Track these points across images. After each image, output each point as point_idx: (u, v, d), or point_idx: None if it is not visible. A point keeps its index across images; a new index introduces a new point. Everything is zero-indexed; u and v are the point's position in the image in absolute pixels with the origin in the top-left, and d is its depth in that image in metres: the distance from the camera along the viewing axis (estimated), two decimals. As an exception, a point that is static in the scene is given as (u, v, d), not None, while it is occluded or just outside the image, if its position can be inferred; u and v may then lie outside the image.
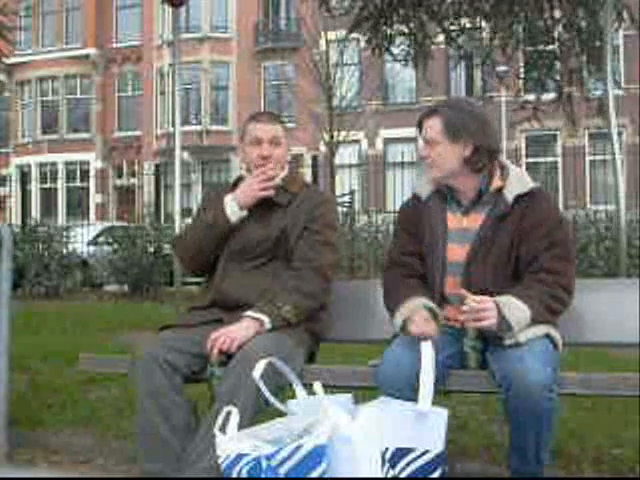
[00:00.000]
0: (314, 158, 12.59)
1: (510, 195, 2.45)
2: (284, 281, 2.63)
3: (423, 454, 2.17)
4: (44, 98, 29.78)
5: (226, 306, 2.66)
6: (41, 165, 29.18)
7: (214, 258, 2.76)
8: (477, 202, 2.50)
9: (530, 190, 2.46)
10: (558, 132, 22.19)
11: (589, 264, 8.60)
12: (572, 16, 7.69)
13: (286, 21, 27.49)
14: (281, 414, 2.25)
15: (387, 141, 24.99)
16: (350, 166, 23.73)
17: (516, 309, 2.30)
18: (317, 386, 2.17)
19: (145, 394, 2.46)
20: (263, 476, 2.03)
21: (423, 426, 2.18)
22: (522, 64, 10.32)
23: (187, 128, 23.61)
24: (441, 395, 2.34)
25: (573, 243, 2.89)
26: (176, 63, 5.04)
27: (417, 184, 2.64)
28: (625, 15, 7.75)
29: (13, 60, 26.08)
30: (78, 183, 29.28)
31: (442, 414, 2.20)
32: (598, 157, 20.09)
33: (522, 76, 10.18)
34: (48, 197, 28.45)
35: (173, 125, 4.75)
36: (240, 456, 2.08)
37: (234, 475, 2.08)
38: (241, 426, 2.20)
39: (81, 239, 12.37)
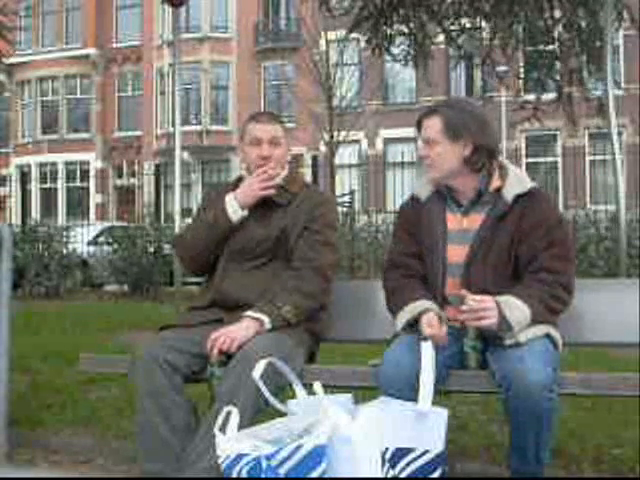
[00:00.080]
0: (314, 158, 12.59)
1: (509, 195, 2.45)
2: (284, 281, 2.63)
3: (423, 454, 2.17)
4: (44, 98, 29.79)
5: (226, 306, 2.66)
6: (41, 165, 29.18)
7: (214, 258, 2.76)
8: (476, 202, 2.50)
9: (529, 190, 2.46)
10: (558, 132, 22.20)
11: (589, 264, 8.60)
12: (572, 16, 7.69)
13: (286, 21, 27.49)
14: (281, 414, 2.25)
15: (387, 141, 24.99)
16: (350, 166, 23.73)
17: (516, 309, 2.30)
18: (317, 386, 2.17)
19: (145, 394, 2.46)
20: (263, 476, 2.03)
21: (423, 426, 2.18)
22: (522, 64, 10.32)
23: (187, 128, 23.62)
24: (441, 395, 2.34)
25: (572, 243, 2.90)
26: (176, 63, 5.04)
27: (417, 185, 2.64)
28: (625, 15, 7.75)
29: (13, 60, 26.06)
30: (78, 183, 29.28)
31: (442, 414, 2.20)
32: (598, 157, 20.10)
33: (522, 76, 10.18)
34: (48, 197, 28.46)
35: (173, 125, 4.75)
36: (240, 456, 2.08)
37: (234, 475, 2.08)
38: (241, 426, 2.20)
39: (81, 239, 12.37)
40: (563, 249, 2.42)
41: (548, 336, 2.36)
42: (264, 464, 2.04)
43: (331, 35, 19.73)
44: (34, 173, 28.12)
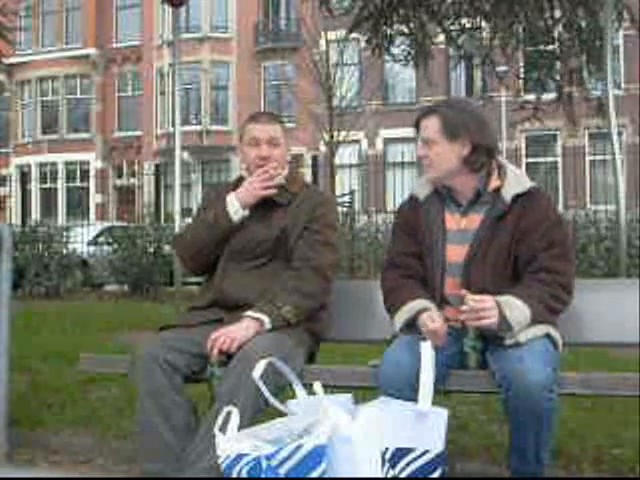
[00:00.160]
0: (314, 158, 12.59)
1: (508, 195, 2.45)
2: (284, 281, 2.63)
3: (423, 454, 2.17)
4: (44, 98, 29.79)
5: (226, 306, 2.66)
6: (41, 165, 29.18)
7: (214, 258, 2.76)
8: (475, 202, 2.50)
9: (528, 190, 2.46)
10: (558, 132, 22.20)
11: (589, 264, 8.60)
12: (572, 16, 7.69)
13: (286, 21, 27.49)
14: (281, 414, 2.24)
15: (387, 141, 24.98)
16: (350, 166, 23.72)
17: (516, 309, 2.30)
18: (317, 386, 2.17)
19: (145, 394, 2.46)
20: (263, 476, 2.03)
21: (423, 426, 2.18)
22: (522, 64, 10.33)
23: (187, 128, 23.62)
24: (441, 395, 2.34)
25: (572, 243, 2.90)
26: (176, 63, 5.04)
27: (416, 185, 2.64)
28: (625, 15, 7.76)
29: (13, 60, 26.10)
30: (78, 183, 29.28)
31: (442, 414, 2.20)
32: (598, 157, 20.10)
33: (522, 76, 10.18)
34: (48, 197, 28.46)
35: (173, 125, 4.75)
36: (240, 456, 2.08)
37: (234, 475, 2.08)
38: (241, 426, 2.20)
39: (81, 239, 12.37)
40: (563, 249, 2.42)
41: (548, 336, 2.36)
42: (264, 464, 2.04)
43: (331, 35, 19.73)
44: (34, 173, 28.12)
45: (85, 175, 28.68)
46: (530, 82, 10.05)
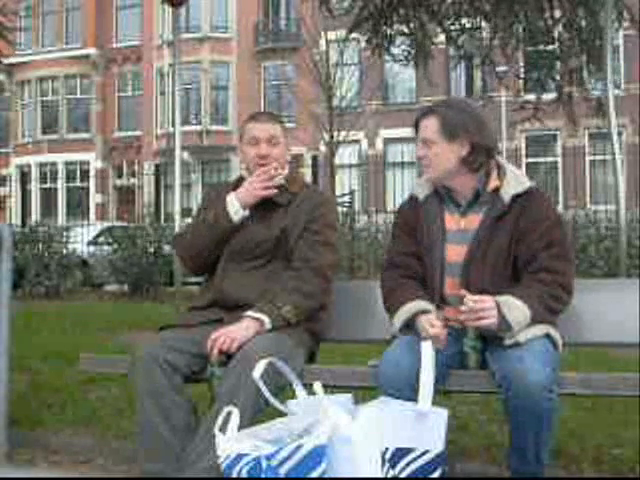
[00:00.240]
0: (314, 158, 12.59)
1: (507, 195, 2.45)
2: (284, 281, 2.63)
3: (423, 454, 2.17)
4: (44, 98, 29.78)
5: (226, 306, 2.66)
6: (41, 165, 29.18)
7: (215, 258, 2.76)
8: (474, 202, 2.50)
9: (527, 190, 2.46)
10: (558, 132, 22.19)
11: (589, 264, 8.60)
12: (572, 16, 7.69)
13: (286, 21, 27.48)
14: (281, 414, 2.24)
15: (387, 141, 24.98)
16: (350, 166, 23.72)
17: (516, 309, 2.30)
18: (317, 386, 2.17)
19: (145, 394, 2.46)
20: (263, 476, 2.03)
21: (423, 426, 2.18)
22: (522, 64, 10.33)
23: (187, 128, 23.62)
24: (441, 395, 2.34)
25: (571, 243, 2.90)
26: (176, 63, 5.04)
27: (415, 185, 2.64)
28: (625, 15, 7.76)
29: (13, 60, 26.13)
30: (78, 183, 29.27)
31: (442, 414, 2.20)
32: (598, 157, 20.10)
33: (522, 76, 10.18)
34: (48, 197, 28.46)
35: (173, 125, 4.75)
36: (240, 456, 2.08)
37: (234, 475, 2.08)
38: (241, 426, 2.19)
39: (81, 239, 12.38)
40: (562, 249, 2.43)
41: (548, 336, 2.36)
42: (264, 464, 2.03)
43: (331, 35, 19.73)
44: (34, 173, 28.12)
45: (85, 175, 28.68)
46: (530, 82, 10.06)
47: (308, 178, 11.43)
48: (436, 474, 2.17)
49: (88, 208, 28.15)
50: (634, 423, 3.12)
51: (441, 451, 2.18)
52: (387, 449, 2.15)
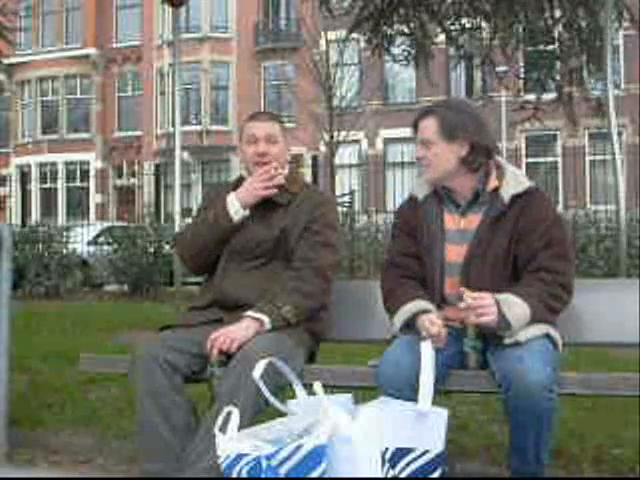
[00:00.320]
0: (314, 158, 12.60)
1: (506, 195, 2.45)
2: (284, 281, 2.63)
3: (423, 454, 2.17)
4: (44, 98, 29.79)
5: (226, 306, 2.66)
6: (41, 165, 29.18)
7: (215, 257, 2.76)
8: (474, 202, 2.50)
9: (526, 190, 2.46)
10: (558, 132, 22.19)
11: (589, 264, 8.60)
12: (572, 16, 7.69)
13: (286, 21, 27.49)
14: (281, 414, 2.24)
15: (387, 141, 24.98)
16: (350, 166, 23.72)
17: (515, 307, 2.30)
18: (317, 386, 2.17)
19: (145, 394, 2.46)
20: (263, 476, 2.03)
21: (423, 426, 2.18)
22: (522, 64, 10.32)
23: (187, 128, 23.62)
24: (441, 395, 2.34)
25: (571, 242, 2.90)
26: (176, 63, 5.04)
27: (415, 185, 2.64)
28: (625, 15, 7.75)
29: (13, 60, 26.14)
30: (78, 183, 29.28)
31: (442, 414, 2.20)
32: (598, 157, 20.09)
33: (522, 76, 10.18)
34: (48, 197, 28.46)
35: (173, 125, 4.75)
36: (240, 456, 2.08)
37: (234, 475, 2.08)
38: (241, 426, 2.19)
39: (81, 239, 12.37)
40: (562, 248, 2.43)
41: (548, 336, 2.36)
42: (264, 464, 2.03)
43: (331, 35, 19.73)
44: (34, 173, 28.12)
45: (85, 175, 28.68)
46: (530, 82, 10.05)
47: (308, 178, 11.44)
48: (436, 474, 2.17)
49: (88, 208, 28.14)
50: (634, 423, 3.12)
51: (441, 451, 2.18)
52: (387, 449, 2.15)
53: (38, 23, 29.59)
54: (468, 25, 8.48)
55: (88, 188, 28.64)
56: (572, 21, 7.78)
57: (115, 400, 3.83)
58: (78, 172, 29.27)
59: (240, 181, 2.84)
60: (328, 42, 20.42)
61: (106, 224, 16.38)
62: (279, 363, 2.31)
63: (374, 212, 12.96)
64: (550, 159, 23.51)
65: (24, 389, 3.98)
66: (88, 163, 29.12)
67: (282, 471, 2.01)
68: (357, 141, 24.18)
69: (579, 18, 7.76)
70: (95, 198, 28.90)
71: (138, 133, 28.84)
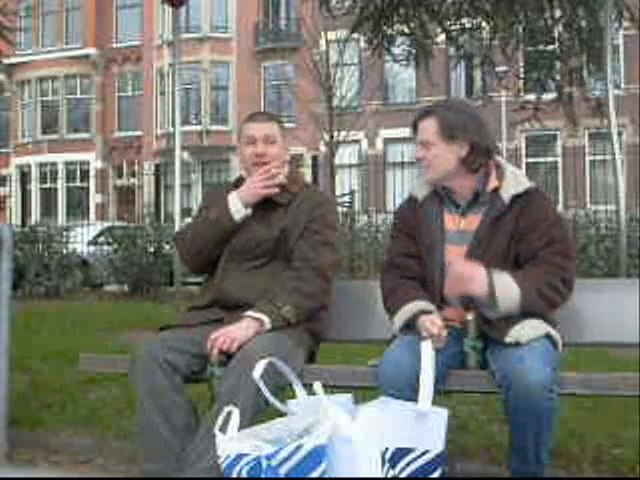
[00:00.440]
0: (314, 158, 12.59)
1: (506, 195, 2.45)
2: (284, 281, 2.63)
3: (423, 454, 2.17)
4: (44, 98, 29.79)
5: (226, 306, 2.66)
6: (41, 165, 29.18)
7: (215, 257, 2.75)
8: (474, 203, 2.50)
9: (527, 190, 2.46)
10: (558, 132, 22.18)
11: (589, 264, 8.60)
12: (572, 16, 7.69)
13: (286, 21, 27.49)
14: (281, 414, 2.24)
15: (387, 141, 24.98)
16: (350, 166, 23.72)
17: (507, 285, 2.30)
18: (317, 386, 2.17)
19: (145, 394, 2.46)
20: (263, 476, 2.03)
21: (423, 426, 2.18)
22: (522, 64, 10.32)
23: (187, 128, 23.62)
24: (441, 395, 2.34)
25: (572, 241, 2.90)
26: (176, 63, 5.04)
27: (414, 185, 2.64)
28: (625, 14, 7.75)
29: (13, 60, 26.15)
30: (78, 183, 29.28)
31: (442, 414, 2.19)
32: (598, 157, 20.09)
33: (522, 76, 10.18)
34: (48, 197, 28.46)
35: (173, 125, 4.75)
36: (240, 456, 2.08)
37: (234, 475, 2.08)
38: (241, 426, 2.19)
39: (81, 239, 12.37)
40: (564, 246, 2.42)
41: (548, 336, 2.36)
42: (264, 464, 2.03)
43: (331, 35, 19.74)
44: (34, 173, 28.12)
45: (85, 175, 28.69)
46: (530, 82, 10.05)
47: (308, 178, 11.43)
48: (436, 474, 2.17)
49: (88, 208, 28.16)
50: (634, 423, 3.12)
51: (441, 451, 2.18)
52: (387, 449, 2.15)
53: (38, 23, 29.59)
54: (468, 25, 8.48)
55: (88, 188, 28.64)
56: (572, 21, 7.78)
57: (115, 400, 3.83)
58: (78, 172, 29.28)
59: (240, 182, 2.84)
60: (328, 42, 20.43)
61: (106, 224, 16.37)
62: (279, 363, 2.31)
63: (374, 212, 12.94)
64: (550, 159, 23.51)
65: (24, 389, 3.98)
66: (88, 163, 29.13)
67: (282, 471, 2.01)
68: (357, 141, 24.18)
69: (579, 18, 7.76)
70: (95, 198, 28.90)
71: (138, 133, 28.84)
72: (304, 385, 2.34)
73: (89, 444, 3.29)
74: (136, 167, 27.67)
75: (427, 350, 2.26)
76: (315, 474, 1.99)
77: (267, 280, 2.65)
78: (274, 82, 27.20)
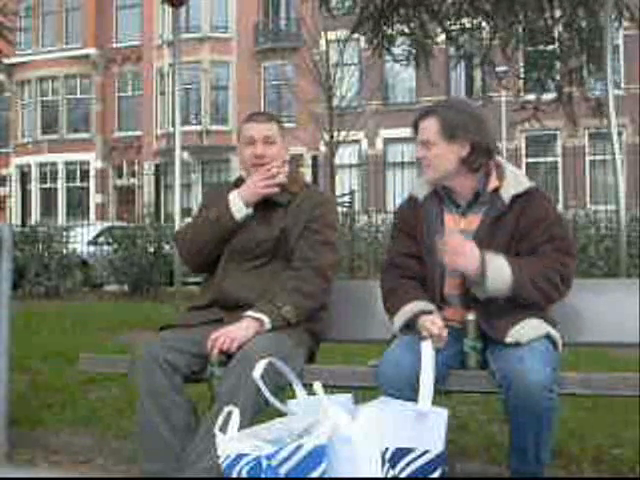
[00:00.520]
0: (314, 158, 12.59)
1: (507, 195, 2.45)
2: (284, 281, 2.63)
3: (423, 454, 2.17)
4: (44, 98, 29.78)
5: (226, 306, 2.66)
6: (41, 165, 29.18)
7: (215, 256, 2.75)
8: (474, 203, 2.50)
9: (527, 190, 2.46)
10: (558, 132, 22.18)
11: (589, 264, 8.60)
12: (572, 16, 7.69)
13: (286, 21, 27.49)
14: (281, 414, 2.24)
15: (387, 141, 24.97)
16: (350, 166, 23.72)
17: (500, 267, 2.31)
18: (317, 386, 2.17)
19: (145, 394, 2.46)
20: (263, 476, 2.03)
21: (423, 426, 2.18)
22: (522, 64, 10.33)
23: (187, 128, 23.61)
24: (441, 395, 2.34)
25: (573, 239, 2.90)
26: (176, 63, 5.04)
27: (415, 185, 2.64)
28: (625, 14, 7.75)
29: (13, 60, 26.14)
30: (78, 183, 29.28)
31: (442, 414, 2.20)
32: (598, 157, 20.09)
33: (522, 76, 10.18)
34: (48, 197, 28.45)
35: (173, 125, 4.75)
36: (240, 456, 2.08)
37: (234, 475, 2.08)
38: (241, 426, 2.19)
39: (81, 239, 12.37)
40: (564, 244, 2.42)
41: (548, 336, 2.36)
42: (264, 464, 2.03)
43: (331, 35, 19.73)
44: (34, 173, 28.12)
45: (85, 175, 28.68)
46: (530, 82, 10.05)
47: (308, 178, 11.43)
48: (436, 474, 2.17)
49: (88, 208, 28.16)
50: (634, 423, 3.12)
51: (441, 451, 2.18)
52: (387, 449, 2.15)
53: (38, 23, 29.59)
54: (468, 25, 8.49)
55: (88, 188, 28.64)
56: (572, 21, 7.78)
57: (115, 400, 3.83)
58: (78, 172, 29.27)
59: (239, 182, 2.84)
60: (328, 42, 20.41)
61: (106, 224, 16.36)
62: (279, 363, 2.31)
63: (374, 212, 12.93)
64: (550, 159, 23.51)
65: (24, 389, 3.98)
66: (88, 163, 29.12)
67: (282, 471, 2.01)
68: (357, 141, 24.17)
69: (579, 18, 7.76)
70: (95, 198, 28.90)
71: (138, 133, 28.84)
72: (304, 385, 2.34)
73: (89, 444, 3.29)
74: (136, 167, 27.66)
75: (427, 350, 2.26)
76: (315, 474, 1.99)
77: (267, 280, 2.65)
78: (274, 82, 27.19)
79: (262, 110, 21.67)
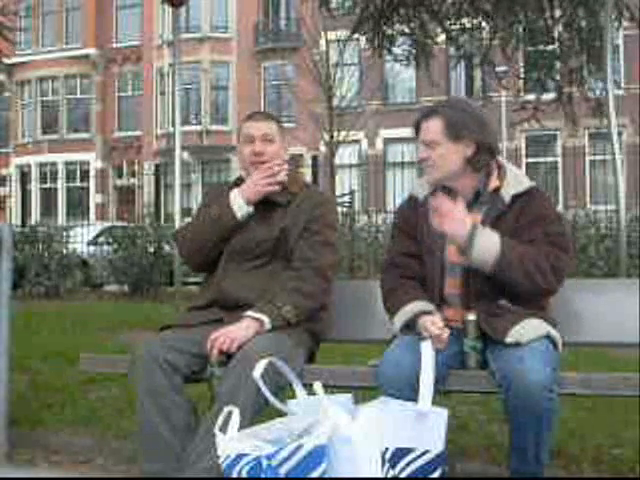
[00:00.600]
0: (314, 158, 12.59)
1: (507, 195, 2.45)
2: (284, 281, 2.63)
3: (423, 454, 2.17)
4: (44, 98, 29.78)
5: (226, 306, 2.66)
6: (41, 165, 29.18)
7: (216, 255, 2.75)
8: (475, 202, 2.50)
9: (527, 190, 2.46)
10: (558, 132, 22.17)
11: (589, 264, 8.59)
12: (572, 16, 7.69)
13: (286, 21, 27.48)
14: (281, 414, 2.24)
15: (387, 141, 24.97)
16: (350, 166, 23.71)
17: (490, 239, 2.32)
18: (317, 386, 2.17)
19: (145, 394, 2.46)
20: (263, 476, 2.03)
21: (423, 426, 2.18)
22: (522, 64, 10.33)
23: (187, 128, 23.61)
24: (441, 395, 2.34)
25: (571, 239, 2.90)
26: (176, 63, 5.04)
27: (415, 185, 2.64)
28: (625, 14, 7.75)
29: (13, 60, 26.09)
30: (78, 183, 29.27)
31: (442, 414, 2.19)
32: (598, 157, 20.09)
33: (522, 76, 10.19)
34: (48, 197, 28.45)
35: (173, 125, 4.75)
36: (240, 456, 2.08)
37: (234, 475, 2.08)
38: (241, 426, 2.19)
39: (81, 239, 12.37)
40: (563, 241, 2.42)
41: (548, 336, 2.36)
42: (264, 464, 2.03)
43: (331, 35, 19.71)
44: (34, 173, 28.12)
45: (85, 175, 28.68)
46: (530, 82, 10.06)
47: (308, 178, 11.43)
48: (436, 474, 2.17)
49: (88, 208, 28.15)
50: (634, 423, 3.12)
51: (441, 451, 2.18)
52: (387, 449, 2.15)
53: (38, 23, 29.57)
54: (468, 25, 8.49)
55: (88, 188, 28.64)
56: (572, 21, 7.79)
57: (115, 400, 3.83)
58: (78, 172, 29.27)
59: (239, 182, 2.84)
60: (328, 42, 20.40)
61: (106, 224, 16.37)
62: (279, 363, 2.31)
63: (374, 212, 12.93)
64: (550, 159, 23.51)
65: (24, 389, 3.98)
66: (88, 163, 29.12)
67: (282, 471, 2.01)
68: (357, 141, 24.16)
69: (579, 18, 7.76)
70: (95, 198, 28.90)
71: (138, 133, 28.83)
72: (304, 385, 2.34)
73: (89, 444, 3.29)
74: (136, 167, 27.66)
75: (427, 350, 2.26)
76: (315, 474, 1.99)
77: (267, 280, 2.65)
78: (274, 82, 27.19)
79: (262, 110, 21.66)
